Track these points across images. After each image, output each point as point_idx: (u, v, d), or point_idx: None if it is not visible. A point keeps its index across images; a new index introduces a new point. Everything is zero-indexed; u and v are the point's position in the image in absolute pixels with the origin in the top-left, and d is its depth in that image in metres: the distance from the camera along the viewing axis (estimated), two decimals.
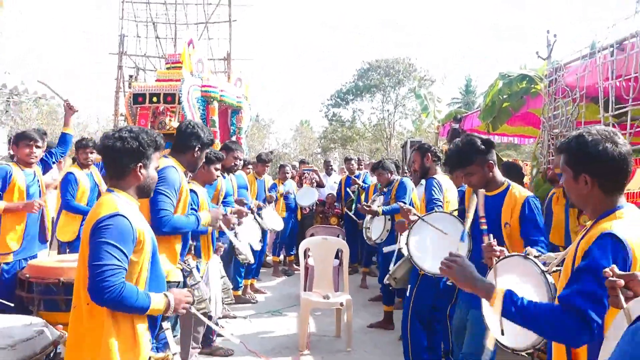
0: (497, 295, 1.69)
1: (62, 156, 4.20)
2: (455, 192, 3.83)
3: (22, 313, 3.39)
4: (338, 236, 6.46)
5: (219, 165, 3.99)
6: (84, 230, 2.08)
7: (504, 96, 7.96)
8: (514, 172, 6.28)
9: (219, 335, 4.68)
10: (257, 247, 5.48)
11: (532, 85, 7.52)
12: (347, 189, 7.88)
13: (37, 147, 3.73)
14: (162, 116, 12.69)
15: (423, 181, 3.88)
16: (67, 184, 4.89)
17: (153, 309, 2.05)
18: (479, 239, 2.75)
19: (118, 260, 1.96)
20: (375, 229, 5.35)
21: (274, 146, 40.74)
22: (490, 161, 2.80)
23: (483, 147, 2.79)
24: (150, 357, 2.09)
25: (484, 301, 2.02)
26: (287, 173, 7.84)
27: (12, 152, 5.56)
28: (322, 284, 5.01)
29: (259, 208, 6.19)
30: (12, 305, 3.23)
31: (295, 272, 7.74)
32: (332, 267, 5.21)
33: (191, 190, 3.36)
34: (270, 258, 8.15)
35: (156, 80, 12.76)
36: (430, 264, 3.01)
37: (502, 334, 1.91)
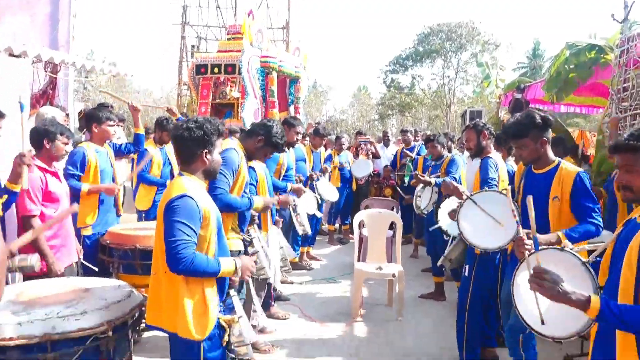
0: (593, 306, 1.72)
1: (135, 152, 4.54)
2: (506, 170, 3.86)
3: (104, 274, 3.80)
4: (392, 209, 6.57)
5: None
6: (159, 209, 2.34)
7: (571, 66, 7.65)
8: (561, 146, 6.20)
9: (278, 299, 5.01)
10: (319, 214, 5.79)
11: (602, 55, 7.19)
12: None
13: (118, 126, 4.04)
14: (223, 86, 13.11)
15: (477, 160, 3.89)
16: (143, 158, 5.29)
17: (224, 272, 2.30)
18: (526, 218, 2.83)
19: (188, 235, 2.20)
20: (424, 199, 5.46)
21: (331, 113, 40.79)
22: (544, 138, 2.89)
23: (540, 122, 2.87)
24: (218, 318, 2.35)
25: (515, 293, 2.10)
26: (343, 144, 7.93)
27: (84, 128, 6.00)
28: (376, 254, 5.18)
29: (317, 178, 6.40)
30: (97, 269, 3.60)
31: (350, 240, 7.95)
32: (386, 238, 5.36)
33: (250, 167, 3.58)
34: (326, 227, 8.39)
35: (217, 51, 13.15)
36: (481, 240, 3.11)
37: (543, 323, 1.99)
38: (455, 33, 33.96)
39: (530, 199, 2.21)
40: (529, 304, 2.07)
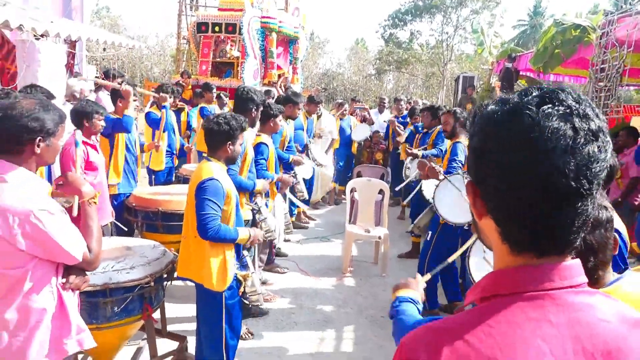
0: None
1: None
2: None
3: (130, 231, 4.40)
4: (382, 176, 7.17)
5: (280, 117, 4.67)
6: (190, 186, 2.91)
7: (557, 42, 8.09)
8: None
9: (277, 255, 5.66)
10: (308, 175, 6.36)
11: (586, 34, 7.61)
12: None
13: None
14: (223, 44, 13.36)
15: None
16: (152, 122, 5.80)
17: (241, 239, 2.93)
18: None
19: (215, 210, 2.79)
20: (412, 170, 6.06)
21: (328, 66, 40.55)
22: None
23: None
24: (236, 274, 2.98)
25: (471, 265, 2.71)
26: (346, 110, 8.27)
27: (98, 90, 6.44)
28: (365, 218, 5.81)
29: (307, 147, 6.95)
30: (126, 229, 4.19)
31: (343, 201, 8.57)
32: (375, 202, 5.97)
33: (262, 144, 4.17)
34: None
35: (218, 9, 13.29)
36: (451, 214, 3.73)
37: None
38: None
39: None
40: (482, 273, 2.69)
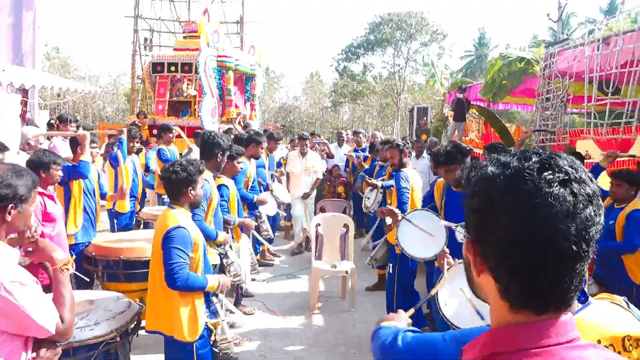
0: None
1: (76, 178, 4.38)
2: (421, 181, 4.66)
3: (90, 281, 4.24)
4: (345, 210, 7.23)
5: (240, 159, 4.67)
6: (155, 236, 2.86)
7: (504, 74, 8.51)
8: (495, 152, 7.15)
9: (245, 295, 5.57)
10: (272, 213, 6.38)
11: (530, 67, 8.05)
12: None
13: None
14: (180, 84, 13.32)
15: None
16: (116, 163, 5.70)
17: (210, 287, 2.90)
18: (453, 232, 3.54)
19: (183, 259, 2.74)
20: (371, 200, 6.17)
21: (284, 100, 41.05)
22: (466, 164, 3.58)
23: (465, 152, 3.63)
24: (206, 322, 2.92)
25: (440, 301, 2.75)
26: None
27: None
28: (330, 253, 5.82)
29: (273, 180, 6.96)
30: (88, 280, 4.03)
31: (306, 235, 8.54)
32: (340, 236, 5.99)
33: (223, 185, 4.12)
34: (283, 222, 8.95)
35: (174, 50, 13.31)
36: (418, 251, 3.80)
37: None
38: (405, 23, 34.75)
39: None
40: (452, 308, 2.73)
